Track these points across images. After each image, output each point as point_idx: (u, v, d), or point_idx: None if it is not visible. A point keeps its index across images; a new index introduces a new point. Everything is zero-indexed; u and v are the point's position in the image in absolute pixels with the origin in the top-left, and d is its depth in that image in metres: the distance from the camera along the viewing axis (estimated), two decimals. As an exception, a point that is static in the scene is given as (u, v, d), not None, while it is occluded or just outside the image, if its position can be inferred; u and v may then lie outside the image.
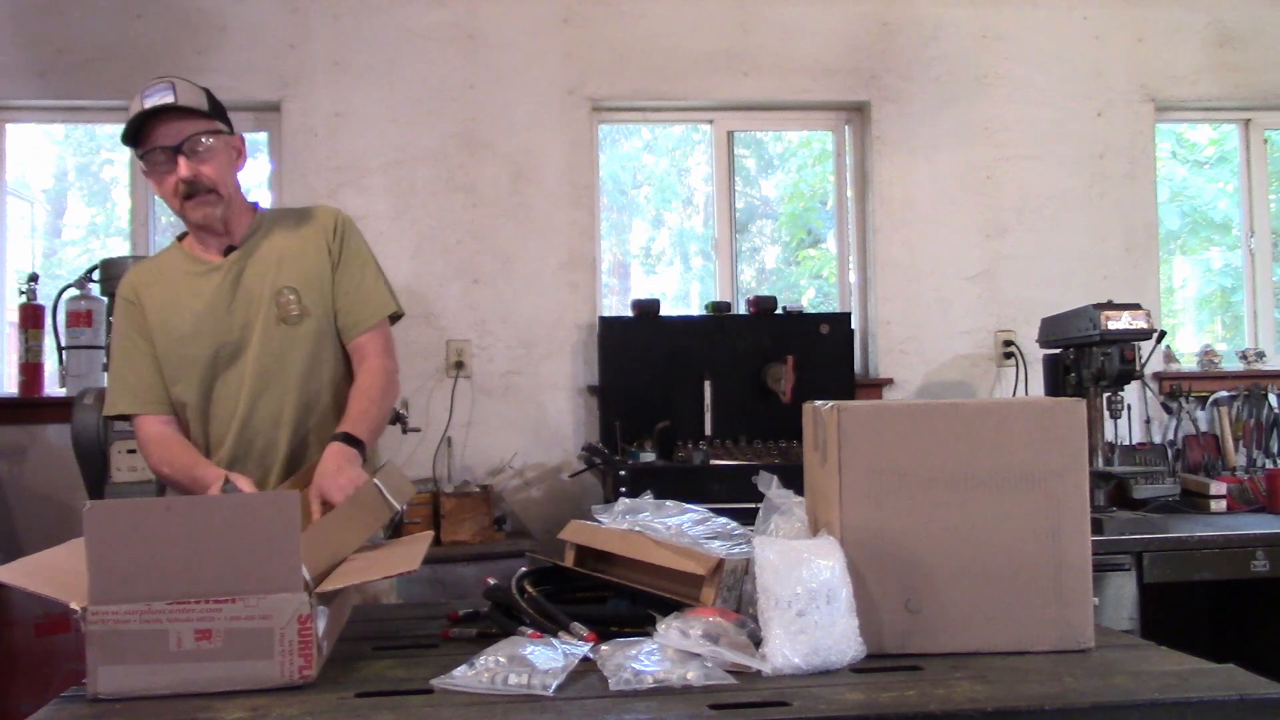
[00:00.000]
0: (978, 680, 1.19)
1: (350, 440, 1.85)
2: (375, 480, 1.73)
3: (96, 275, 3.08)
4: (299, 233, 2.00)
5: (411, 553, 1.50)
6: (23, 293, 3.51)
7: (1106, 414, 3.14)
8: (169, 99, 1.83)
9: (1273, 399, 3.75)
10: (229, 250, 1.97)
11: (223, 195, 1.91)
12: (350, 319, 1.99)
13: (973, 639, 1.32)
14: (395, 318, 2.06)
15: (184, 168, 1.86)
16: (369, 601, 1.94)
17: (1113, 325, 3.02)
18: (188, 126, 1.85)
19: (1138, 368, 3.08)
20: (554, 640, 1.27)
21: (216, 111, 1.93)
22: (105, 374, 2.98)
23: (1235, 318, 4.30)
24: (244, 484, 1.78)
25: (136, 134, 1.85)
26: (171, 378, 1.95)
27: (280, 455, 1.94)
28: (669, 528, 1.51)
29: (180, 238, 2.05)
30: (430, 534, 1.71)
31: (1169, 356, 3.85)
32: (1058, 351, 3.35)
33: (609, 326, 3.57)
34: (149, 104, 1.83)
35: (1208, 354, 3.90)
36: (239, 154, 1.99)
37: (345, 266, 2.00)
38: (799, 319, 3.59)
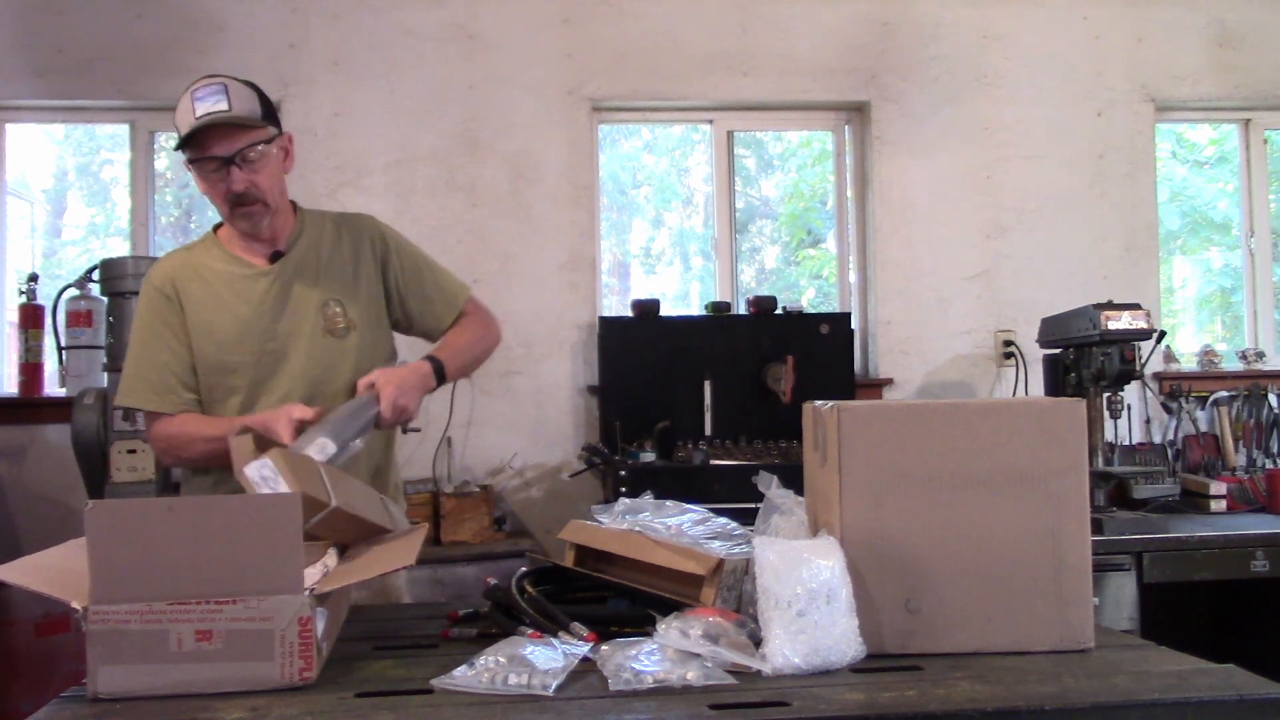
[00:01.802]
0: (978, 680, 1.20)
1: (434, 363, 1.91)
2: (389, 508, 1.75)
3: (96, 275, 3.08)
4: (342, 245, 1.99)
5: (408, 548, 1.50)
6: (23, 293, 3.51)
7: (1106, 414, 3.14)
8: (223, 106, 1.79)
9: (1273, 399, 3.75)
10: (275, 256, 1.95)
11: (270, 205, 1.89)
12: (436, 319, 2.06)
13: (973, 639, 1.32)
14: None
15: (237, 181, 1.83)
16: (390, 598, 1.97)
17: (1113, 325, 3.02)
18: (241, 138, 1.82)
19: (1138, 368, 3.08)
20: (554, 640, 1.27)
21: (267, 114, 1.89)
22: (105, 373, 2.98)
23: (1235, 318, 4.30)
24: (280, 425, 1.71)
25: (188, 138, 1.82)
26: (212, 382, 1.91)
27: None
28: (669, 528, 1.51)
29: (216, 228, 2.00)
30: (425, 527, 1.71)
31: (1169, 356, 3.85)
32: (1058, 351, 3.35)
33: (609, 326, 3.57)
34: (201, 111, 1.79)
35: (1208, 354, 3.90)
36: (287, 154, 1.96)
37: (408, 274, 2.03)
38: (799, 319, 3.59)
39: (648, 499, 1.63)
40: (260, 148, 1.85)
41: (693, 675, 1.18)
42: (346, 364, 1.93)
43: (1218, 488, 3.42)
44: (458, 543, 3.25)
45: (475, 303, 2.13)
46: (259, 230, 1.91)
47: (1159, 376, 3.81)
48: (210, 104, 1.79)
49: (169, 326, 1.92)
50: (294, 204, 2.03)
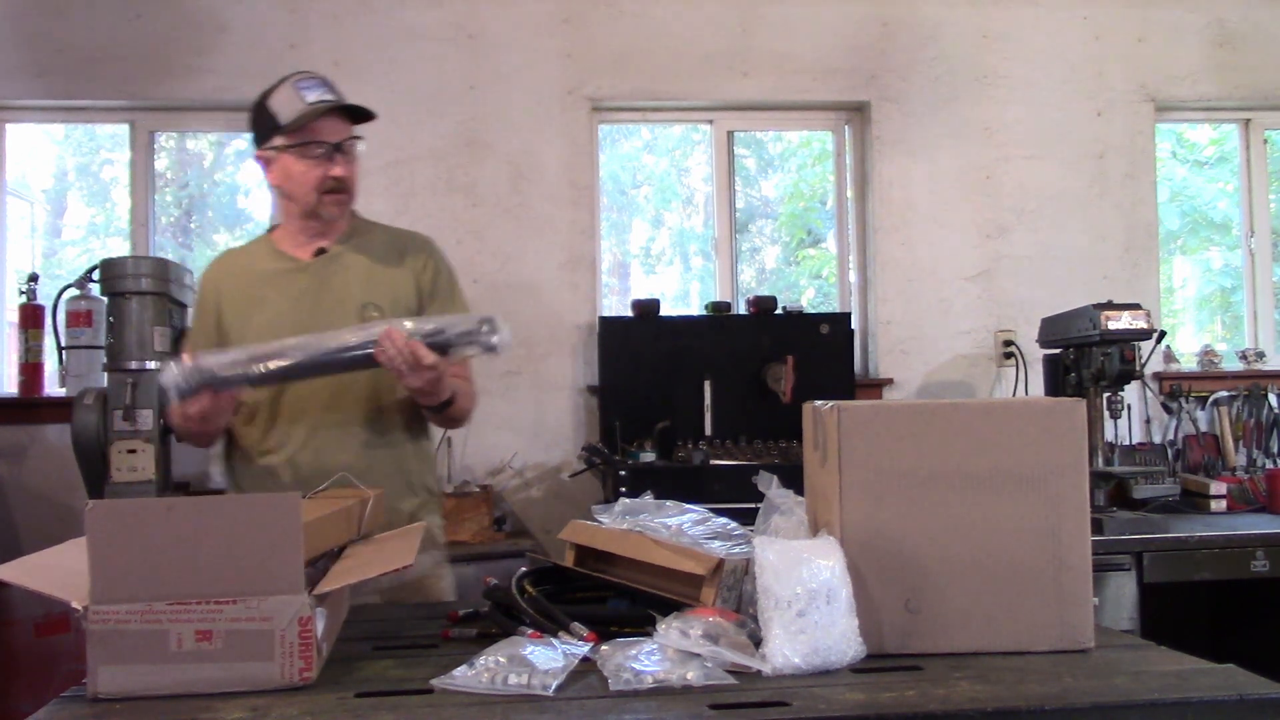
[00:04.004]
0: (978, 680, 1.19)
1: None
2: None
3: (96, 275, 3.08)
4: (391, 253, 2.03)
5: (405, 547, 1.50)
6: (23, 293, 3.51)
7: (1106, 414, 3.14)
8: (332, 96, 1.91)
9: (1273, 399, 3.75)
10: (319, 252, 1.99)
11: (352, 198, 1.99)
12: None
13: (973, 639, 1.32)
14: None
15: (341, 167, 1.93)
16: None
17: (1113, 325, 3.02)
18: (348, 127, 1.94)
19: (1138, 368, 3.08)
20: (554, 640, 1.27)
21: None
22: (105, 373, 2.98)
23: (1235, 318, 4.30)
24: None
25: (298, 122, 1.89)
26: None
27: (347, 462, 1.91)
28: (669, 528, 1.51)
29: (271, 229, 2.07)
30: (422, 525, 1.71)
31: (1169, 356, 3.85)
32: (1058, 351, 3.35)
33: (609, 326, 3.57)
34: (313, 98, 1.89)
35: (1208, 354, 3.90)
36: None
37: (434, 297, 2.04)
38: (799, 319, 3.59)
39: (648, 499, 1.63)
40: (357, 141, 1.96)
41: (693, 675, 1.18)
42: (373, 373, 1.92)
43: (1218, 488, 3.42)
44: (458, 543, 3.24)
45: (468, 366, 2.10)
46: (339, 219, 1.99)
47: (1159, 376, 3.81)
48: (320, 93, 1.91)
49: (201, 326, 2.02)
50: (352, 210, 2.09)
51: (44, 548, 1.40)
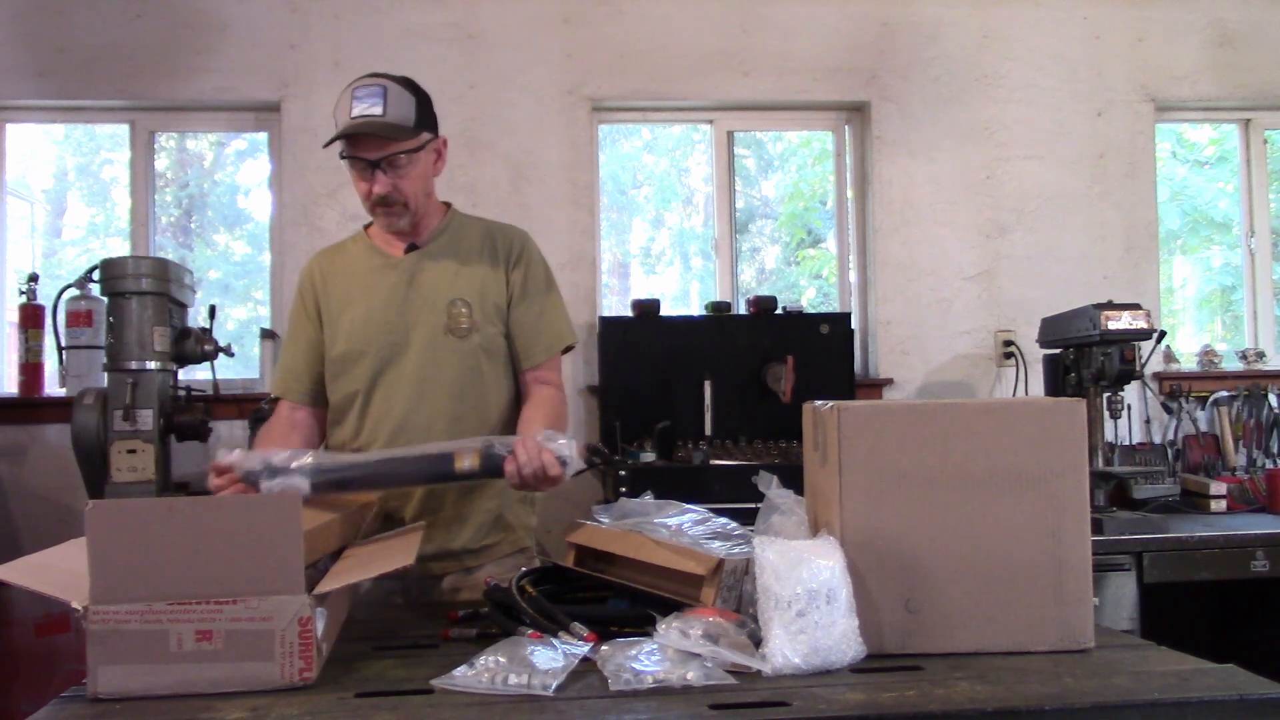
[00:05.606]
0: (978, 680, 1.19)
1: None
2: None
3: (96, 275, 3.08)
4: (481, 249, 2.00)
5: (405, 547, 1.50)
6: (23, 293, 3.51)
7: (1106, 414, 3.14)
8: (377, 111, 1.82)
9: (1273, 399, 3.75)
10: (410, 249, 1.98)
11: (411, 207, 1.92)
12: (526, 350, 1.99)
13: (973, 639, 1.32)
14: (567, 348, 2.05)
15: (380, 184, 1.87)
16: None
17: (1113, 325, 3.02)
18: (390, 144, 1.85)
19: (1138, 368, 3.08)
20: (554, 640, 1.27)
21: (423, 120, 1.91)
22: (105, 373, 2.98)
23: (1235, 318, 4.30)
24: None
25: (341, 137, 1.86)
26: (340, 370, 1.96)
27: None
28: (669, 528, 1.51)
29: (367, 226, 2.06)
30: (422, 526, 1.71)
31: (1169, 356, 3.85)
32: (1058, 351, 3.35)
33: (609, 326, 3.57)
34: (357, 112, 1.82)
35: (1208, 354, 3.90)
36: (439, 156, 1.99)
37: (524, 297, 1.99)
38: (799, 319, 3.59)
39: (648, 499, 1.63)
40: (406, 155, 1.87)
41: (693, 675, 1.18)
42: (462, 365, 1.93)
43: (1218, 488, 3.42)
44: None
45: (559, 363, 2.04)
46: (396, 229, 1.96)
47: (1159, 376, 3.81)
48: (366, 106, 1.82)
49: (307, 317, 2.01)
50: (448, 205, 2.07)
51: (44, 548, 1.40)
